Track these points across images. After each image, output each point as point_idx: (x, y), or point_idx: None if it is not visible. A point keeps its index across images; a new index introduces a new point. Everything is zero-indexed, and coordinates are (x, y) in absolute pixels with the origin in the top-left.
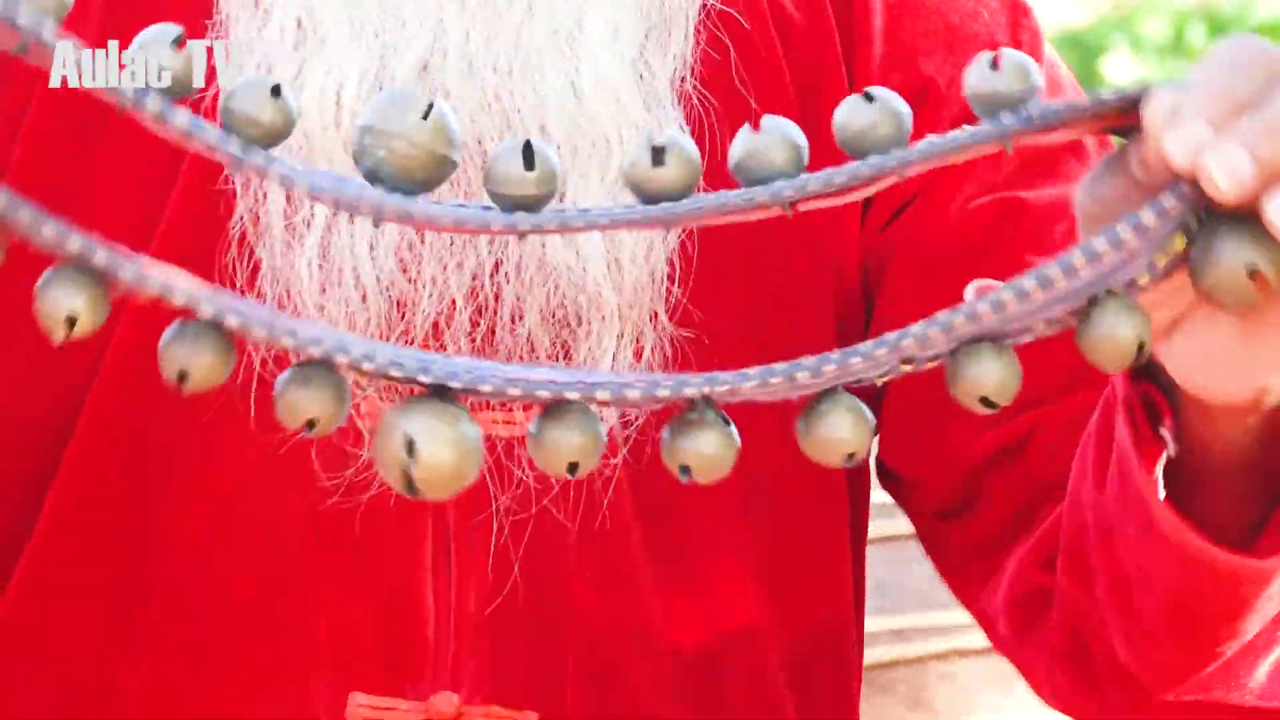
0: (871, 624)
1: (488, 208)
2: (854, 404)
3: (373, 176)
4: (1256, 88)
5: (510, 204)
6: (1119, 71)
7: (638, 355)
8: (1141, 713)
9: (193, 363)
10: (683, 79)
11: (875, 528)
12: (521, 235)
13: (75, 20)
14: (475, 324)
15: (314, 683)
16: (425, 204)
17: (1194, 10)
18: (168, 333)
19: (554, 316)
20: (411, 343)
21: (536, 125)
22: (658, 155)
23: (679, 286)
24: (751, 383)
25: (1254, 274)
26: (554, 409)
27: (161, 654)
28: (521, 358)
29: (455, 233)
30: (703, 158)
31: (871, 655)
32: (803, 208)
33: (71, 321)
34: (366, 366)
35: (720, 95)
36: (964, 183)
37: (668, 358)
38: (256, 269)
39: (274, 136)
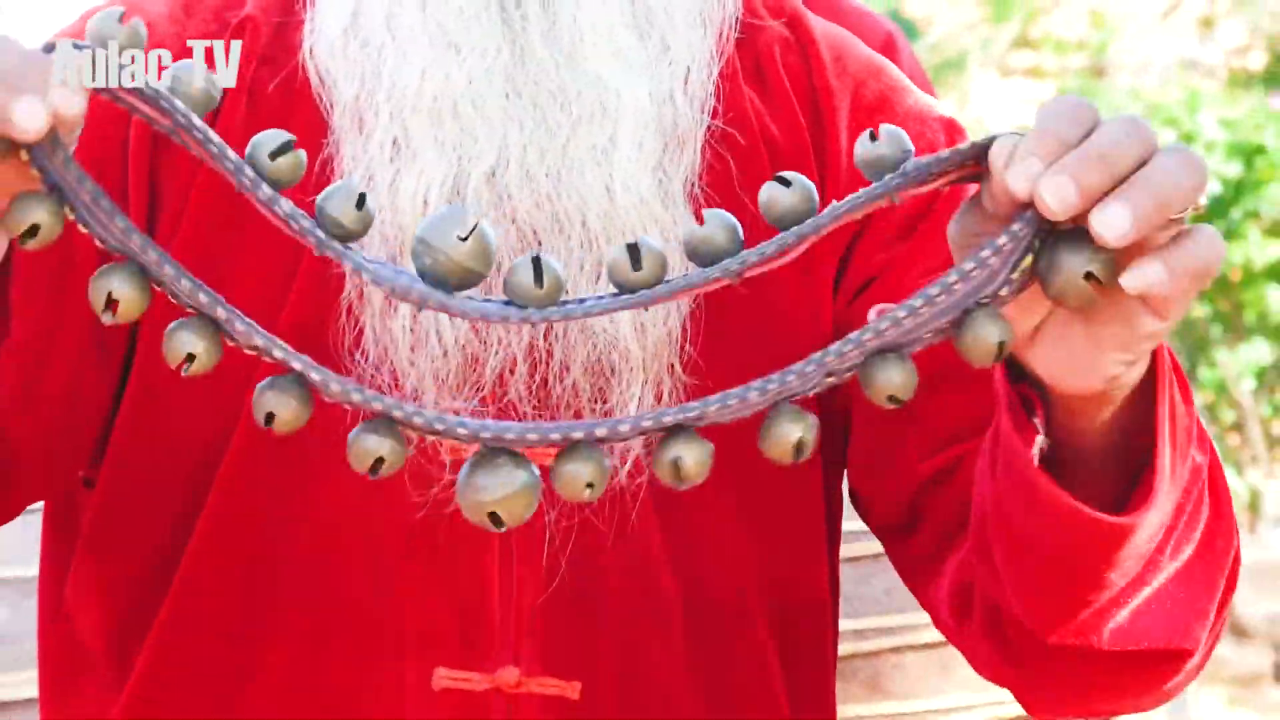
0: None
1: (508, 303)
2: (793, 409)
3: (423, 274)
4: (1078, 132)
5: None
6: None
7: (658, 399)
8: (1039, 662)
9: (279, 408)
10: (692, 184)
11: (844, 550)
12: (534, 325)
13: (219, 117)
14: (532, 375)
15: (406, 660)
16: (460, 299)
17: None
18: (262, 383)
19: (593, 369)
20: (481, 389)
21: (579, 220)
22: (634, 255)
23: (690, 344)
24: (714, 406)
25: (1089, 276)
26: (567, 448)
27: (289, 641)
28: (568, 402)
29: (482, 320)
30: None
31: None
32: (748, 274)
33: (191, 358)
34: (416, 422)
35: (722, 195)
36: (911, 266)
37: (681, 400)
38: (360, 333)
39: (353, 235)
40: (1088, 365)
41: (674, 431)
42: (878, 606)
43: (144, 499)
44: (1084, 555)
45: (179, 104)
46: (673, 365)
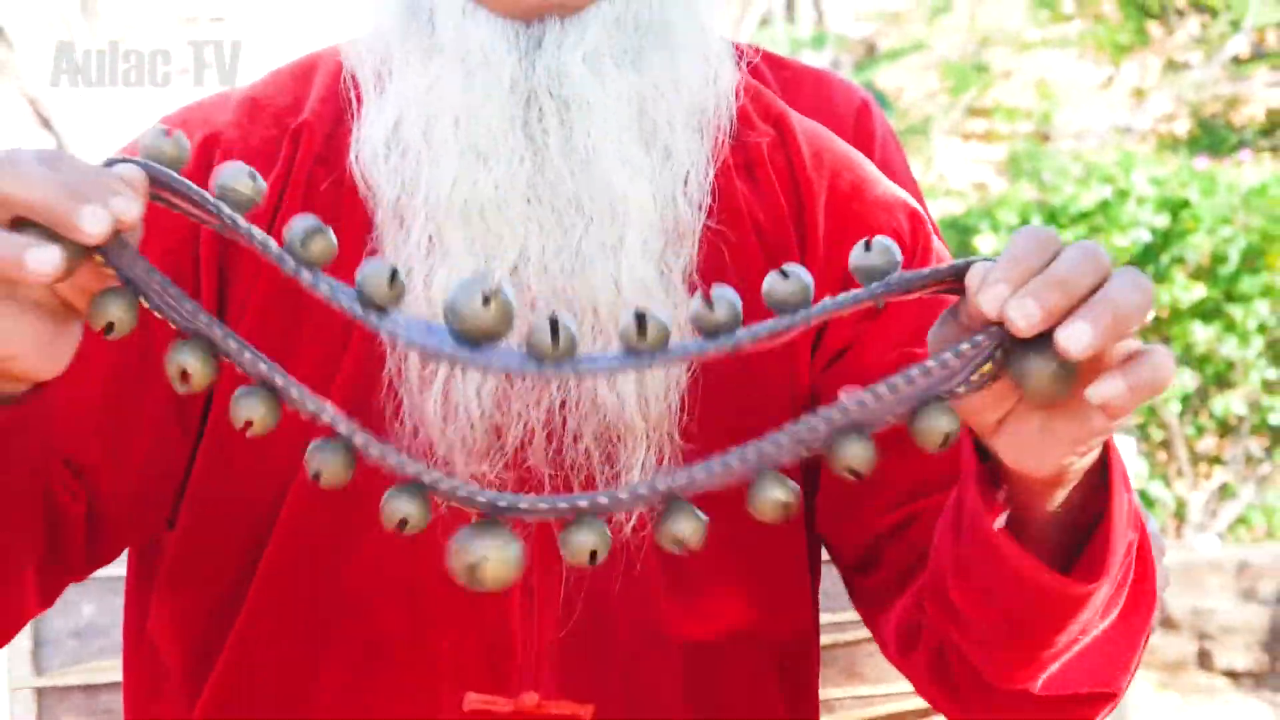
0: (820, 618)
1: (528, 358)
2: (776, 475)
3: (453, 336)
4: (1043, 258)
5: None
6: (986, 245)
7: (659, 462)
8: (979, 700)
9: (325, 466)
10: (691, 272)
11: (825, 554)
12: (548, 380)
13: (280, 211)
14: (549, 443)
15: (441, 686)
16: (485, 354)
17: (1035, 203)
18: (313, 443)
19: (602, 437)
20: (504, 456)
21: (590, 308)
22: (640, 324)
23: (687, 414)
24: (701, 474)
25: (1055, 379)
26: (573, 519)
27: (340, 668)
28: (581, 466)
29: (504, 374)
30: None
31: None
32: (745, 350)
33: (250, 423)
34: (442, 487)
35: (711, 277)
36: (877, 341)
37: (680, 463)
38: (400, 403)
39: (387, 307)
40: (1043, 455)
41: (671, 504)
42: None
43: (215, 543)
44: (1041, 615)
45: (224, 206)
46: (671, 434)
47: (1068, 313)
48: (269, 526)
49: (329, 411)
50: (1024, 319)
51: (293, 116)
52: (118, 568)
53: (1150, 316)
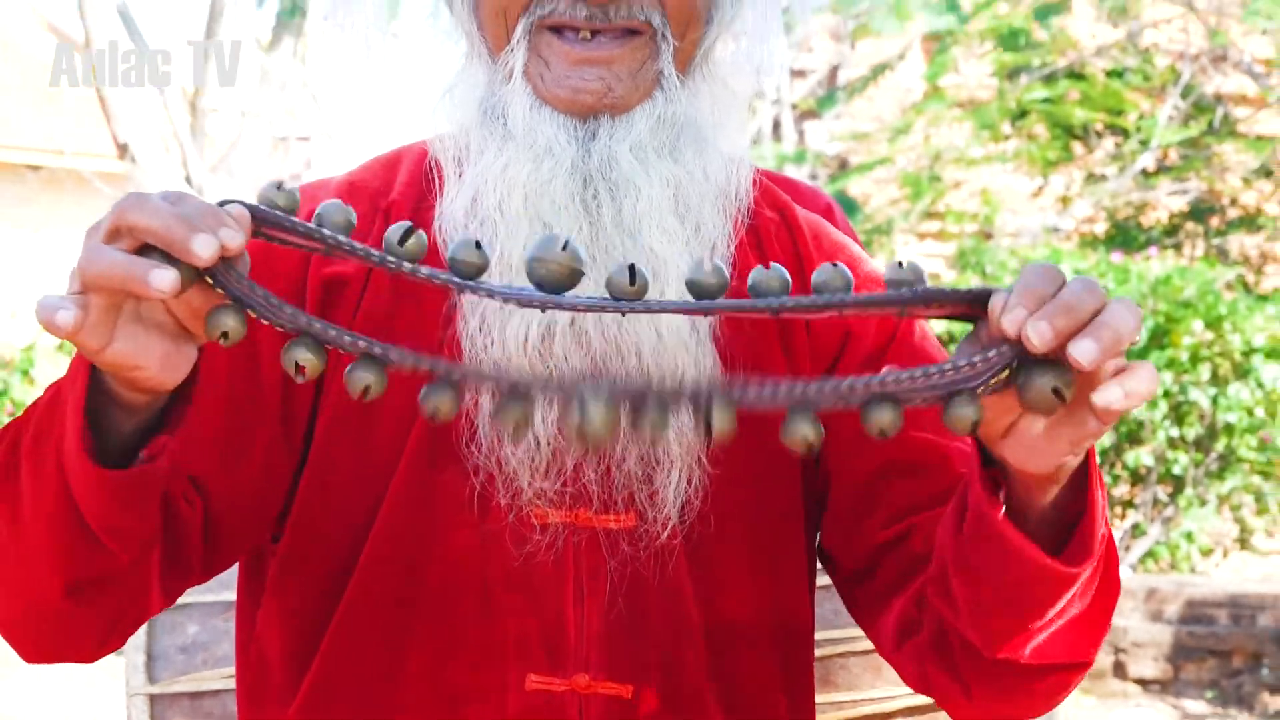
0: None
1: (606, 299)
2: (811, 417)
3: (539, 284)
4: (1052, 288)
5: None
6: (939, 326)
7: (688, 483)
8: (978, 670)
9: (439, 405)
10: (715, 326)
11: None
12: (624, 314)
13: (371, 277)
14: (600, 464)
15: (508, 668)
16: (570, 297)
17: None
18: (425, 387)
19: (644, 461)
20: (563, 475)
21: (634, 353)
22: (712, 272)
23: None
24: (752, 391)
25: (1056, 391)
26: (649, 396)
27: (422, 655)
28: (623, 484)
29: (588, 311)
30: (724, 370)
31: None
32: (784, 314)
33: (367, 389)
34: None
35: (734, 334)
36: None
37: (705, 485)
38: (474, 430)
39: (479, 271)
40: (1044, 455)
41: (715, 400)
42: (827, 623)
43: (314, 553)
44: (1035, 592)
45: (326, 232)
46: (700, 458)
47: (1074, 334)
48: (362, 538)
49: (427, 361)
50: (1039, 338)
51: (384, 197)
52: (219, 593)
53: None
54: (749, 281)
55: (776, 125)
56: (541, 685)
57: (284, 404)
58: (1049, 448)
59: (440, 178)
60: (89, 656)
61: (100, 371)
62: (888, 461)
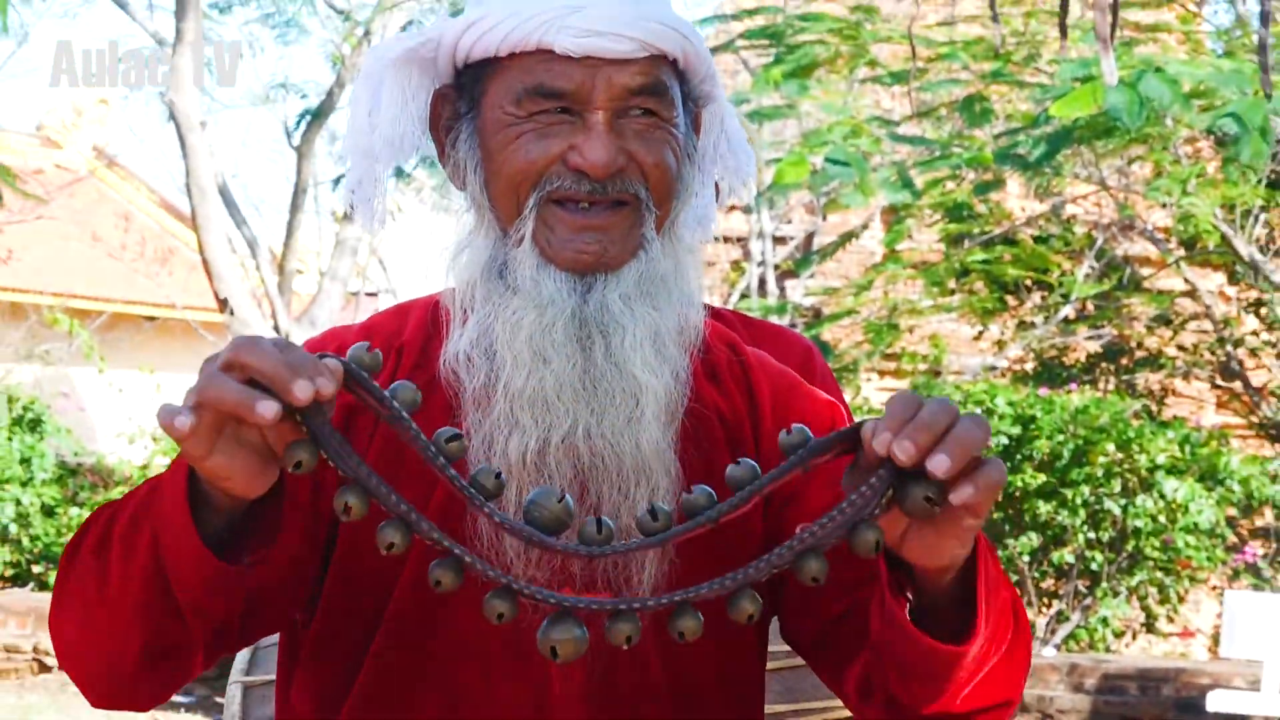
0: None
1: (580, 544)
2: (750, 592)
3: (533, 523)
4: (911, 412)
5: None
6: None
7: (658, 568)
8: None
9: (446, 577)
10: (677, 442)
11: (788, 661)
12: (594, 558)
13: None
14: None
15: None
16: (557, 541)
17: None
18: (435, 562)
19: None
20: (554, 564)
21: (615, 463)
22: (653, 514)
23: (677, 550)
24: (704, 589)
25: (928, 499)
26: (614, 614)
27: (433, 715)
28: (604, 570)
29: (568, 554)
30: (685, 477)
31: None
32: (721, 520)
33: (391, 546)
34: (528, 591)
35: (692, 450)
36: (810, 487)
37: (677, 574)
38: (475, 520)
39: (495, 494)
40: (938, 550)
41: (680, 608)
42: (810, 695)
43: (340, 633)
44: (938, 666)
45: (395, 404)
46: (669, 552)
47: (932, 447)
48: (378, 621)
49: (453, 543)
50: (904, 453)
51: (397, 339)
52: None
53: (1003, 491)
54: (683, 501)
55: (762, 283)
56: None
57: (313, 504)
58: (939, 544)
59: (447, 322)
60: (146, 708)
61: (196, 475)
62: (831, 550)
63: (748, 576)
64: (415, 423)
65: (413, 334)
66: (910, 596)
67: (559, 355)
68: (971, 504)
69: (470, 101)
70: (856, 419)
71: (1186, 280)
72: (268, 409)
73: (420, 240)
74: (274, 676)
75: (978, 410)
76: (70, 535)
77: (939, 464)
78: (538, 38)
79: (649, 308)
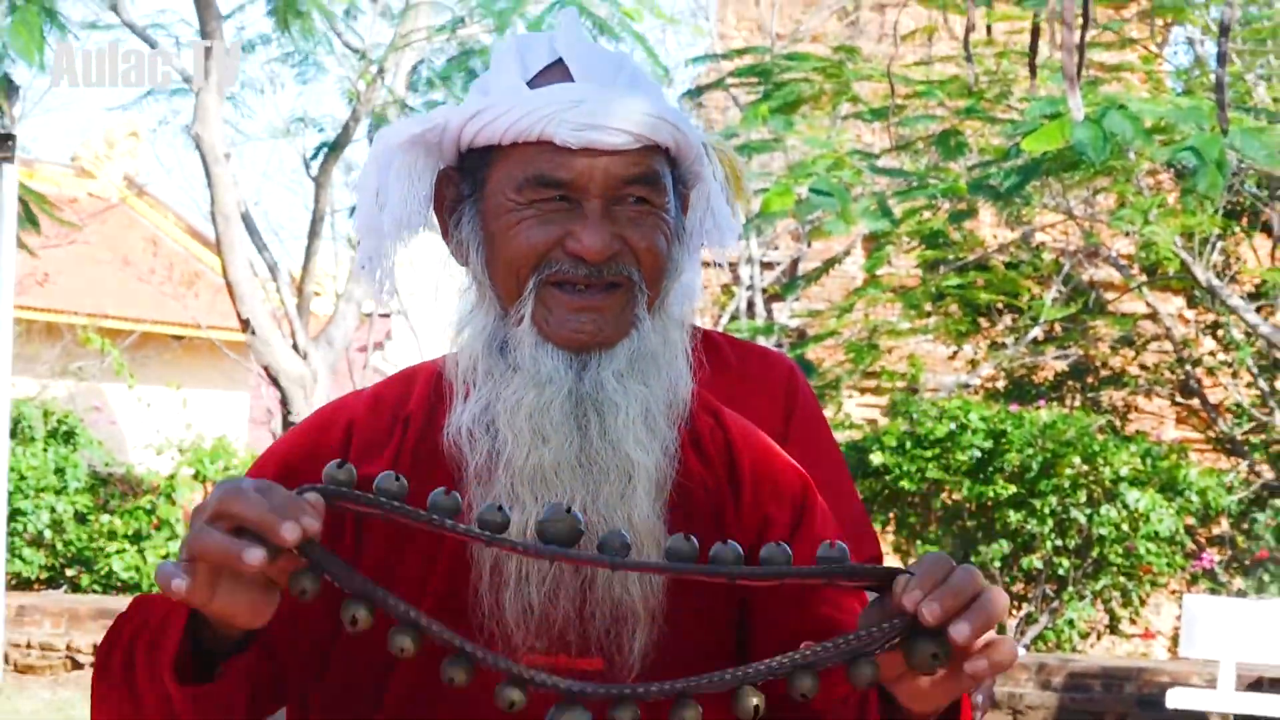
0: None
1: (598, 556)
2: (754, 689)
3: (546, 539)
4: (943, 574)
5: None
6: (875, 459)
7: (647, 634)
8: None
9: (458, 675)
10: (664, 511)
11: None
12: (615, 569)
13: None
14: (580, 624)
15: None
16: (574, 551)
17: (907, 434)
18: (447, 659)
19: (615, 619)
20: (549, 632)
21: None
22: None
23: (670, 607)
24: (704, 681)
25: (935, 656)
26: (618, 699)
27: None
28: (598, 639)
29: (583, 564)
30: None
31: None
32: (742, 580)
33: (402, 650)
34: (537, 679)
35: (680, 522)
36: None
37: (660, 636)
38: (477, 598)
39: (504, 528)
40: (928, 699)
41: (680, 699)
42: None
43: (348, 694)
44: None
45: (383, 499)
46: (658, 619)
47: (957, 613)
48: (385, 684)
49: (464, 642)
50: (931, 615)
51: (403, 408)
52: None
53: (979, 503)
54: (711, 552)
55: (751, 305)
56: None
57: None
58: (931, 694)
59: (451, 394)
60: None
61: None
62: (797, 631)
63: (746, 676)
64: (411, 502)
65: (418, 403)
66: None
67: (557, 434)
68: (979, 674)
69: (474, 184)
70: (836, 436)
71: (1148, 304)
72: (255, 555)
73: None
74: None
75: (952, 425)
76: (101, 540)
77: (960, 632)
78: (539, 129)
79: (640, 384)
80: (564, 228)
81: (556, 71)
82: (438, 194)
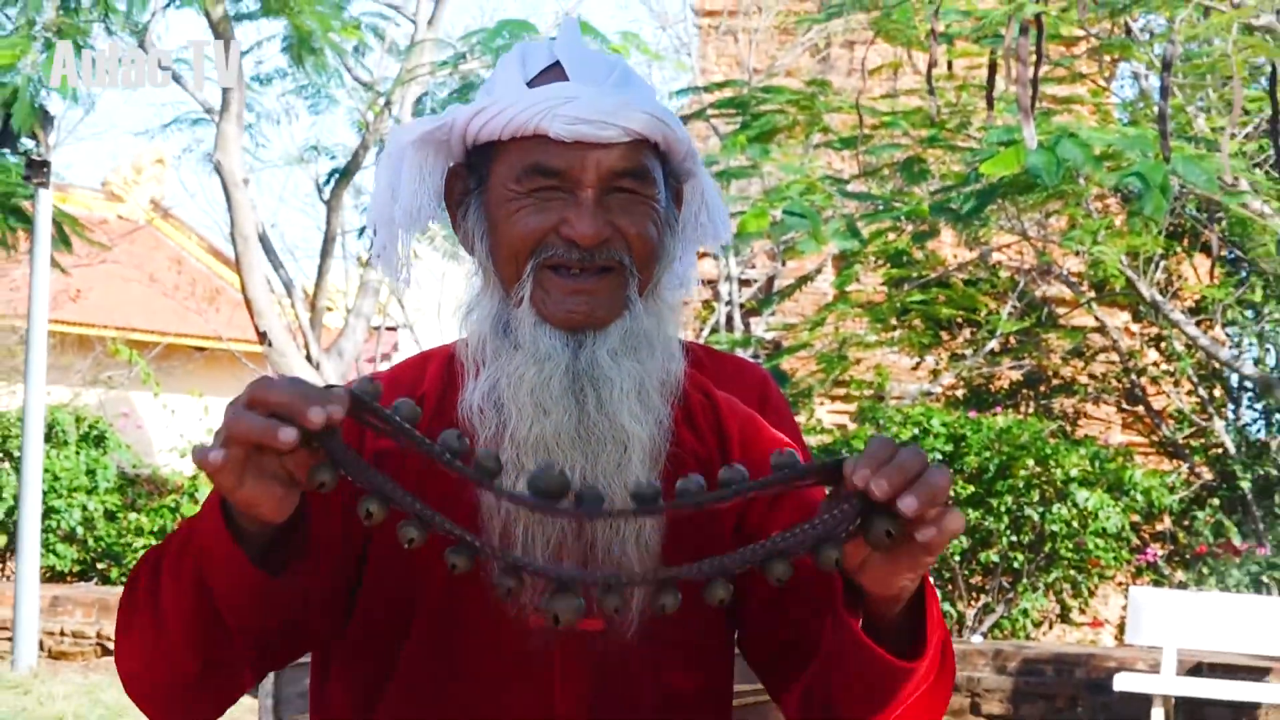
0: (741, 687)
1: (577, 508)
2: (724, 583)
3: (536, 492)
4: (889, 454)
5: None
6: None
7: (645, 595)
8: None
9: (459, 560)
10: (658, 479)
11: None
12: (592, 519)
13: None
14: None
15: None
16: (562, 506)
17: (874, 439)
18: (449, 549)
19: (611, 543)
20: (550, 543)
21: (607, 504)
22: (647, 486)
23: (663, 557)
24: (687, 569)
25: (888, 532)
26: (606, 587)
27: (457, 712)
28: (594, 552)
29: (559, 516)
30: (666, 515)
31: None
32: (706, 505)
33: (411, 541)
34: (533, 566)
35: (673, 484)
36: (776, 521)
37: (659, 556)
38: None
39: (500, 473)
40: (889, 579)
41: (664, 584)
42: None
43: (371, 640)
44: (885, 678)
45: (398, 419)
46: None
47: (904, 488)
48: (406, 633)
49: (460, 530)
50: (878, 490)
51: (419, 388)
52: None
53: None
54: (676, 486)
55: (729, 320)
56: None
57: (344, 531)
58: (893, 575)
59: (463, 373)
60: None
61: (228, 508)
62: (785, 586)
63: (723, 564)
64: (438, 476)
65: (431, 383)
66: (860, 619)
67: (557, 407)
68: (930, 544)
69: (478, 178)
70: (809, 441)
71: (1097, 318)
72: (288, 433)
73: (431, 281)
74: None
75: (916, 430)
76: (129, 536)
77: (908, 504)
78: (535, 124)
79: (634, 362)
80: (560, 214)
81: (554, 73)
82: (447, 189)
